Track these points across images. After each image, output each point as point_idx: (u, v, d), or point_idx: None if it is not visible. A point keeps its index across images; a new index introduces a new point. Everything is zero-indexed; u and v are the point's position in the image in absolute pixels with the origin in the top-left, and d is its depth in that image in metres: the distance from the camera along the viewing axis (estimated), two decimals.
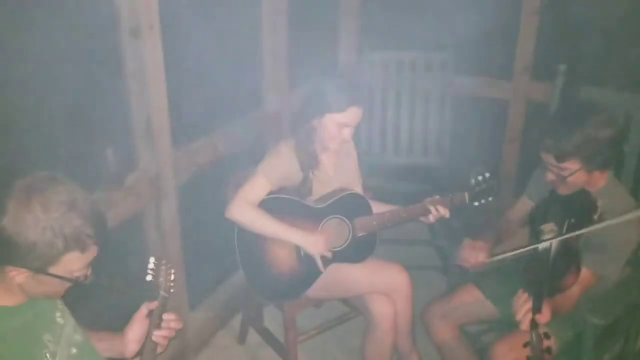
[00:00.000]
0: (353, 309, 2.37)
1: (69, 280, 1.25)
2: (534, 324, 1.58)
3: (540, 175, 2.01)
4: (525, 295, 1.65)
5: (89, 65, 1.86)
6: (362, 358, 2.23)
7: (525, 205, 2.14)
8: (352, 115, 2.00)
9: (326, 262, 2.11)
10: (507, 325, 2.00)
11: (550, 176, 1.85)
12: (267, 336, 2.49)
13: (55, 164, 1.73)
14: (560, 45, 3.10)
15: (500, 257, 1.90)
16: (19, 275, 1.20)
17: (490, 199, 2.12)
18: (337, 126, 2.01)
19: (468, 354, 2.11)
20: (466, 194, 2.10)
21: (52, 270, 1.21)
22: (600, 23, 3.07)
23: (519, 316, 1.63)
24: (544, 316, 1.62)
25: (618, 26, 3.02)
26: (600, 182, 1.87)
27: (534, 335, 1.56)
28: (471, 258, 1.96)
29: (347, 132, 2.03)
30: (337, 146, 2.07)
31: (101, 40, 1.89)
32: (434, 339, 2.14)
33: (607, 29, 3.05)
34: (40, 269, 1.20)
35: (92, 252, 1.25)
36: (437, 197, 2.10)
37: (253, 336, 2.60)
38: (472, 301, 2.09)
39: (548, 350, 1.55)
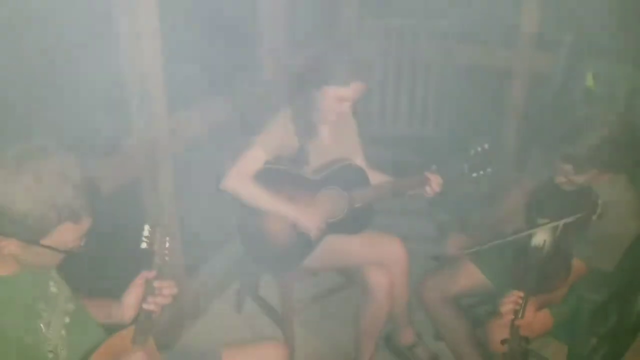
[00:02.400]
0: (349, 279, 2.38)
1: (62, 251, 1.24)
2: (513, 325, 1.60)
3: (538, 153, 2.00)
4: (515, 297, 1.63)
5: (82, 28, 1.82)
6: (356, 328, 2.25)
7: (527, 186, 2.09)
8: (354, 90, 1.97)
9: (322, 233, 2.10)
10: (501, 298, 2.02)
11: (562, 180, 1.80)
12: (264, 305, 2.50)
13: (49, 129, 1.70)
14: (567, 13, 3.04)
15: (474, 249, 1.96)
16: (9, 246, 1.18)
17: (489, 170, 2.10)
18: (337, 99, 1.97)
19: (462, 325, 2.12)
20: (465, 165, 2.09)
21: (44, 241, 1.20)
22: None
23: (503, 312, 1.65)
24: (526, 320, 1.62)
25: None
26: (603, 175, 1.80)
27: (512, 334, 1.58)
28: (450, 250, 2.14)
29: (346, 106, 2.00)
30: (334, 118, 2.04)
31: (94, 2, 1.84)
32: (428, 311, 2.15)
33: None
34: (32, 240, 1.19)
35: (86, 222, 1.24)
36: (434, 167, 2.08)
37: (250, 304, 2.62)
38: (468, 275, 2.10)
39: (524, 354, 1.57)
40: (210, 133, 2.42)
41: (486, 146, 2.09)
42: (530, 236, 1.72)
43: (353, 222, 2.14)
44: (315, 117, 2.07)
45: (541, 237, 1.69)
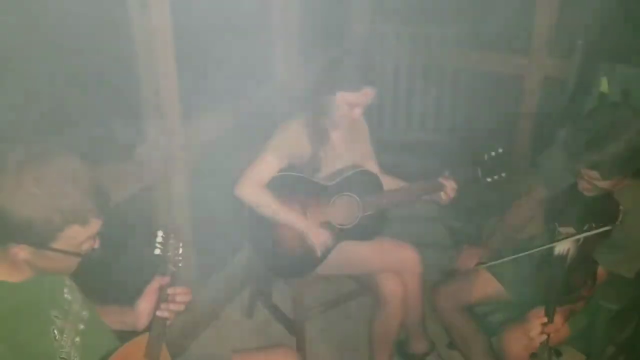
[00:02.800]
0: (362, 286, 2.37)
1: (73, 254, 1.23)
2: (544, 340, 1.55)
3: (553, 159, 1.98)
4: (537, 316, 1.59)
5: (97, 36, 1.83)
6: (369, 335, 2.23)
7: (542, 191, 2.09)
8: (365, 95, 1.96)
9: (335, 239, 2.09)
10: (516, 307, 2.00)
11: (585, 185, 1.75)
12: (275, 311, 2.49)
13: (64, 136, 1.71)
14: (579, 19, 3.03)
15: (490, 263, 1.95)
16: (21, 252, 1.18)
17: (503, 175, 2.09)
18: (349, 105, 1.97)
19: (476, 334, 2.09)
20: (479, 170, 2.07)
21: (55, 245, 1.19)
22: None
23: (532, 332, 1.59)
24: (555, 326, 1.58)
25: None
26: (623, 180, 1.76)
27: (543, 349, 1.53)
28: (464, 264, 2.11)
29: (358, 112, 2.00)
30: (346, 124, 2.03)
31: (110, 12, 1.85)
32: (442, 319, 2.14)
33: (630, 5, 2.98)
34: (41, 245, 1.18)
35: (95, 224, 1.23)
36: (447, 172, 2.08)
37: (261, 311, 2.61)
38: (480, 282, 2.07)
39: None
40: (224, 140, 2.43)
41: (500, 150, 2.08)
42: (552, 246, 1.69)
43: (366, 228, 2.13)
44: (328, 124, 2.07)
45: (564, 246, 1.66)
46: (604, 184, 1.71)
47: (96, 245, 1.28)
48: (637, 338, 2.26)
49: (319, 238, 2.04)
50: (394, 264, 2.11)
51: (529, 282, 2.02)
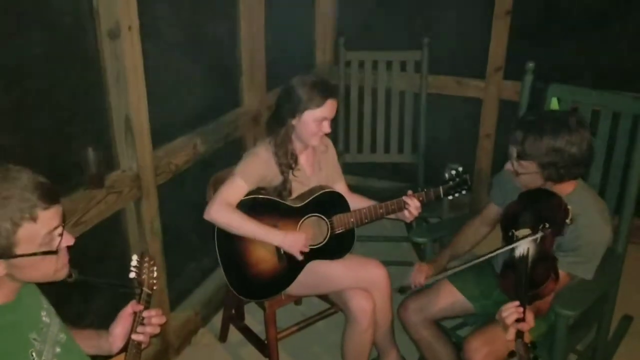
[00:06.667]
0: (332, 305, 2.41)
1: (46, 253, 1.23)
2: (518, 333, 1.57)
3: (503, 180, 2.08)
4: (512, 306, 1.61)
5: (67, 65, 1.87)
6: (342, 353, 2.26)
7: (492, 210, 2.19)
8: (329, 107, 2.05)
9: (306, 259, 2.14)
10: (482, 319, 2.06)
11: (508, 166, 1.91)
12: (248, 334, 2.50)
13: (35, 162, 1.72)
14: (532, 44, 3.19)
15: (440, 275, 2.09)
16: None
17: (463, 192, 2.18)
18: (317, 121, 2.04)
19: (445, 348, 2.15)
20: (441, 188, 2.16)
21: (20, 250, 1.19)
22: (569, 22, 3.18)
23: (504, 326, 1.61)
24: (528, 323, 1.60)
25: (588, 24, 3.14)
26: (568, 188, 1.90)
27: (519, 344, 1.55)
28: (415, 280, 2.17)
29: (326, 125, 2.07)
30: (318, 141, 2.11)
31: (80, 41, 1.89)
32: (411, 334, 2.18)
33: (577, 28, 3.16)
34: (8, 255, 1.18)
35: (48, 217, 1.22)
36: (410, 192, 2.16)
37: (234, 334, 2.62)
38: (448, 296, 2.13)
39: (535, 359, 1.54)
40: (194, 165, 2.47)
41: (460, 169, 2.16)
42: (512, 249, 1.78)
43: (335, 247, 2.18)
44: (297, 146, 2.13)
45: (524, 247, 1.75)
46: (519, 169, 1.85)
47: (67, 237, 1.28)
48: (598, 345, 2.35)
49: (296, 244, 2.08)
50: (362, 280, 2.16)
51: (491, 294, 2.11)
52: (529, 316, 1.61)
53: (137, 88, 2.02)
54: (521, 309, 1.60)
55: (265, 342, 2.34)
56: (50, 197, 1.22)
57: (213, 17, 2.58)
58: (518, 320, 1.58)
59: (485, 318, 2.02)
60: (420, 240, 2.39)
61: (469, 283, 2.15)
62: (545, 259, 1.74)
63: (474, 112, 3.46)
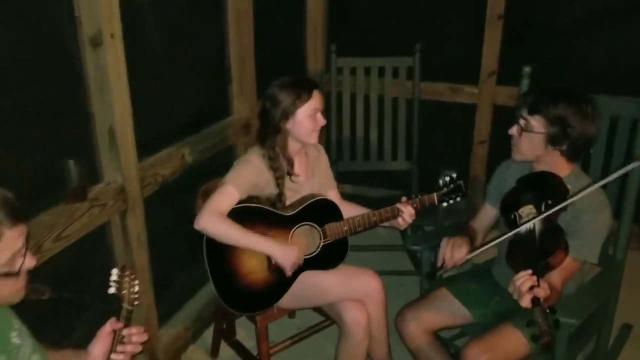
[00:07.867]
0: (326, 317, 2.35)
1: (5, 275, 1.18)
2: (535, 301, 1.54)
3: (500, 171, 2.09)
4: (525, 274, 1.60)
5: (49, 75, 1.81)
6: None
7: (488, 211, 2.17)
8: (318, 97, 2.05)
9: (298, 270, 2.08)
10: (480, 328, 2.02)
11: (513, 130, 1.90)
12: (240, 349, 2.44)
13: (14, 176, 1.66)
14: (525, 49, 3.17)
15: (481, 249, 1.94)
16: None
17: (458, 199, 2.15)
18: (311, 116, 2.03)
19: (443, 359, 2.09)
20: (435, 195, 2.12)
21: None
22: (562, 26, 3.16)
23: (519, 294, 1.59)
24: (543, 289, 1.58)
25: (579, 29, 3.12)
26: (565, 170, 1.89)
27: (537, 311, 1.52)
28: (455, 255, 1.93)
29: (320, 117, 2.06)
30: (317, 138, 2.09)
31: (62, 50, 1.84)
32: (408, 345, 2.12)
33: (569, 32, 3.14)
34: None
35: (13, 236, 1.17)
36: (404, 199, 2.11)
37: (225, 350, 2.55)
38: (446, 306, 2.09)
39: (556, 323, 1.52)
40: (181, 175, 2.41)
41: (454, 175, 2.13)
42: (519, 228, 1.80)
43: (327, 257, 2.13)
44: (292, 151, 2.09)
45: (529, 223, 1.78)
46: (526, 126, 1.85)
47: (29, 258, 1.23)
48: (597, 356, 2.31)
49: (289, 257, 2.03)
50: (356, 291, 2.11)
51: (489, 303, 2.07)
52: (543, 284, 1.60)
53: (121, 98, 1.96)
54: (534, 277, 1.59)
55: (258, 357, 2.28)
56: (17, 215, 1.17)
57: (201, 24, 2.54)
58: (532, 289, 1.57)
59: (484, 327, 1.99)
60: (415, 248, 2.34)
61: (467, 291, 2.11)
62: (551, 230, 1.75)
63: (467, 119, 3.43)
